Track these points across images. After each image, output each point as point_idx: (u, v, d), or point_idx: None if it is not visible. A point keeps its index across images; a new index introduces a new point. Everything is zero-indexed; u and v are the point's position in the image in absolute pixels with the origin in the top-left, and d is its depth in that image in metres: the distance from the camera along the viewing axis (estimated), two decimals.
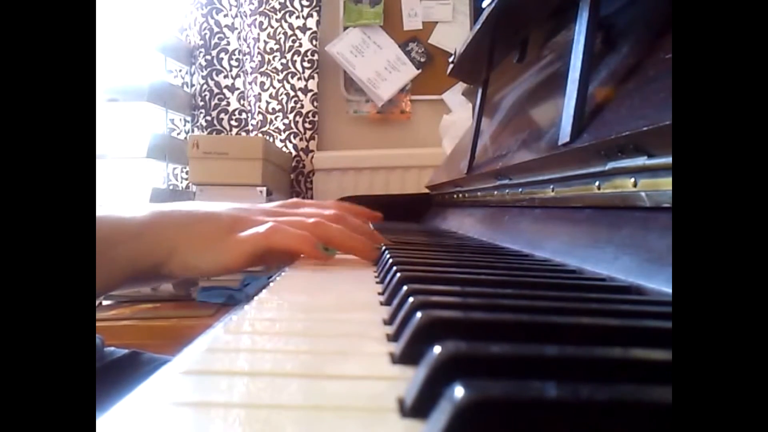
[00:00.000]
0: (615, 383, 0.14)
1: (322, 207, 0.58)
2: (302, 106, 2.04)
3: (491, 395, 0.13)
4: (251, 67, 2.05)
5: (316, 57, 2.04)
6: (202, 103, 2.08)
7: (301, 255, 0.52)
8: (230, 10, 2.08)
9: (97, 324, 1.24)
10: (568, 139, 0.44)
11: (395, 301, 0.28)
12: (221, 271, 0.52)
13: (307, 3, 2.03)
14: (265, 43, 2.03)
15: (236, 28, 2.08)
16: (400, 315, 0.25)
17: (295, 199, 0.62)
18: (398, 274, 0.33)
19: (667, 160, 0.33)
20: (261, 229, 0.50)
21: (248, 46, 2.05)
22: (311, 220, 0.52)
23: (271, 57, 2.04)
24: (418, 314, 0.21)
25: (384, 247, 0.53)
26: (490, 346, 0.17)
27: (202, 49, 2.07)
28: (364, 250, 0.52)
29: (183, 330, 1.34)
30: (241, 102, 2.10)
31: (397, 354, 0.21)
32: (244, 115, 2.10)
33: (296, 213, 0.56)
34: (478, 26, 0.78)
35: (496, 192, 0.71)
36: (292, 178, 2.04)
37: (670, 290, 0.29)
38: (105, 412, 0.15)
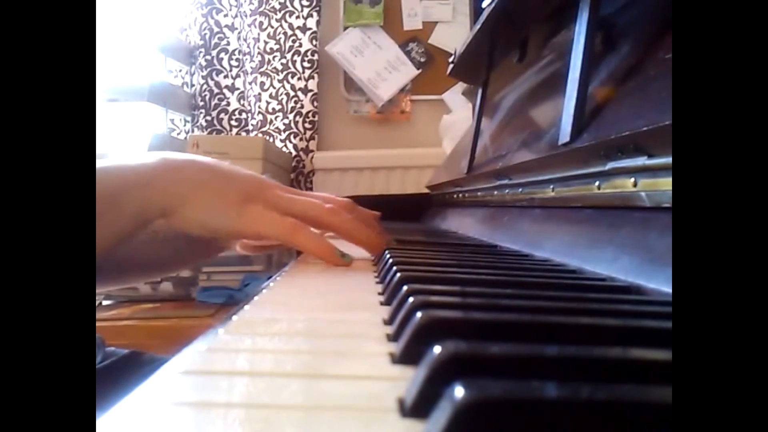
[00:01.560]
0: (615, 383, 0.14)
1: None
2: (302, 106, 2.04)
3: (491, 395, 0.13)
4: (251, 67, 2.05)
5: (316, 57, 2.04)
6: (202, 103, 2.08)
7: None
8: (230, 10, 2.08)
9: (97, 324, 1.24)
10: (568, 139, 0.44)
11: (395, 301, 0.28)
12: (231, 235, 0.52)
13: (307, 3, 2.03)
14: (265, 43, 2.03)
15: (236, 28, 2.08)
16: (400, 315, 0.25)
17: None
18: (398, 274, 0.33)
19: (667, 160, 0.33)
20: (285, 222, 0.49)
21: (248, 46, 2.06)
22: (327, 205, 0.52)
23: (271, 57, 2.04)
24: (418, 314, 0.21)
25: (384, 248, 0.53)
26: (490, 346, 0.17)
27: (202, 49, 2.07)
28: (372, 244, 0.53)
29: (183, 330, 1.34)
30: (241, 102, 2.10)
31: (397, 354, 0.21)
32: (244, 115, 2.10)
33: (312, 195, 0.56)
34: (478, 26, 0.78)
35: (496, 192, 0.71)
36: (292, 178, 2.04)
37: (670, 290, 0.29)
38: (105, 412, 0.15)
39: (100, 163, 0.47)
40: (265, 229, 0.49)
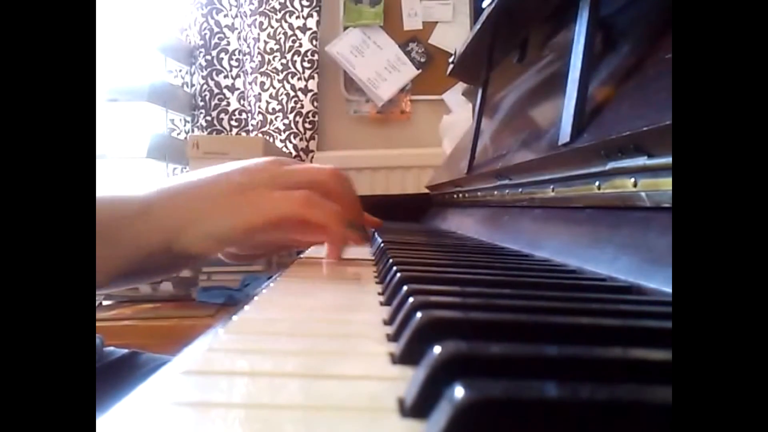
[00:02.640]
0: (615, 383, 0.14)
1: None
2: (302, 106, 2.04)
3: (491, 395, 0.13)
4: (251, 67, 2.05)
5: (316, 57, 2.04)
6: (202, 103, 2.08)
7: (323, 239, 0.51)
8: (230, 10, 2.08)
9: (97, 324, 1.24)
10: (568, 139, 0.44)
11: (395, 301, 0.28)
12: (246, 231, 0.47)
13: (307, 3, 2.03)
14: (265, 43, 2.04)
15: (236, 28, 2.08)
16: (400, 315, 0.25)
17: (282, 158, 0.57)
18: (398, 274, 0.33)
19: (667, 160, 0.33)
20: (295, 196, 0.46)
21: (248, 46, 2.06)
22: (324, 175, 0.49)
23: (271, 57, 2.04)
24: (418, 314, 0.21)
25: (384, 246, 0.52)
26: (490, 346, 0.17)
27: (202, 49, 2.07)
28: (334, 245, 0.51)
29: (183, 330, 1.34)
30: (241, 102, 2.10)
31: (397, 354, 0.21)
32: (244, 115, 2.10)
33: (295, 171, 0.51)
34: (478, 26, 0.78)
35: (496, 192, 0.71)
36: None
37: (670, 290, 0.29)
38: (105, 412, 0.15)
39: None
40: (274, 212, 0.46)
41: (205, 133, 2.06)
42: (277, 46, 2.04)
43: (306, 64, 2.04)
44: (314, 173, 0.49)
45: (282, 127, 2.04)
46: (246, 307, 0.30)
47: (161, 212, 0.47)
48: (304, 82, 2.04)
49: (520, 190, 0.62)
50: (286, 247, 0.59)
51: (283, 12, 2.03)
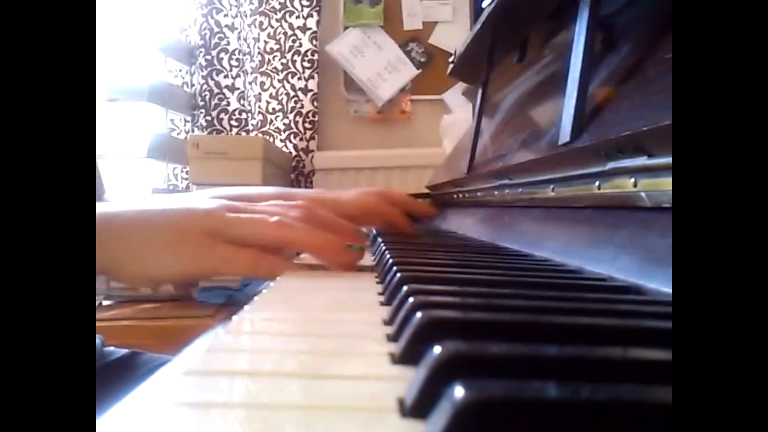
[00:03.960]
0: (615, 383, 0.14)
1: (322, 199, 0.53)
2: (302, 106, 2.04)
3: (491, 395, 0.13)
4: (251, 67, 2.05)
5: (316, 57, 2.04)
6: (202, 103, 2.08)
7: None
8: (230, 10, 2.08)
9: (97, 324, 1.24)
10: (568, 139, 0.44)
11: (395, 301, 0.28)
12: (182, 279, 0.47)
13: (307, 3, 2.03)
14: (265, 43, 2.04)
15: (236, 28, 2.08)
16: (400, 315, 0.25)
17: (288, 190, 0.55)
18: (398, 274, 0.33)
19: (667, 160, 0.33)
20: (241, 257, 0.44)
21: (248, 46, 2.06)
22: (273, 219, 0.46)
23: (271, 57, 2.04)
24: (418, 314, 0.21)
25: (384, 247, 0.52)
26: (490, 346, 0.17)
27: (202, 49, 2.07)
28: (330, 253, 0.47)
29: (183, 330, 1.34)
30: (241, 102, 2.10)
31: (397, 354, 0.21)
32: (244, 115, 2.10)
33: (258, 209, 0.48)
34: (478, 26, 0.78)
35: (496, 192, 0.71)
36: (292, 178, 2.04)
37: (670, 290, 0.29)
38: (105, 412, 0.15)
39: None
40: (215, 269, 0.45)
41: (205, 133, 2.06)
42: (277, 46, 2.04)
43: (306, 64, 2.04)
44: (262, 227, 0.45)
45: (282, 127, 2.04)
46: (246, 307, 0.30)
47: (100, 241, 0.45)
48: (304, 82, 2.04)
49: (520, 190, 0.62)
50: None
51: (283, 12, 2.03)
